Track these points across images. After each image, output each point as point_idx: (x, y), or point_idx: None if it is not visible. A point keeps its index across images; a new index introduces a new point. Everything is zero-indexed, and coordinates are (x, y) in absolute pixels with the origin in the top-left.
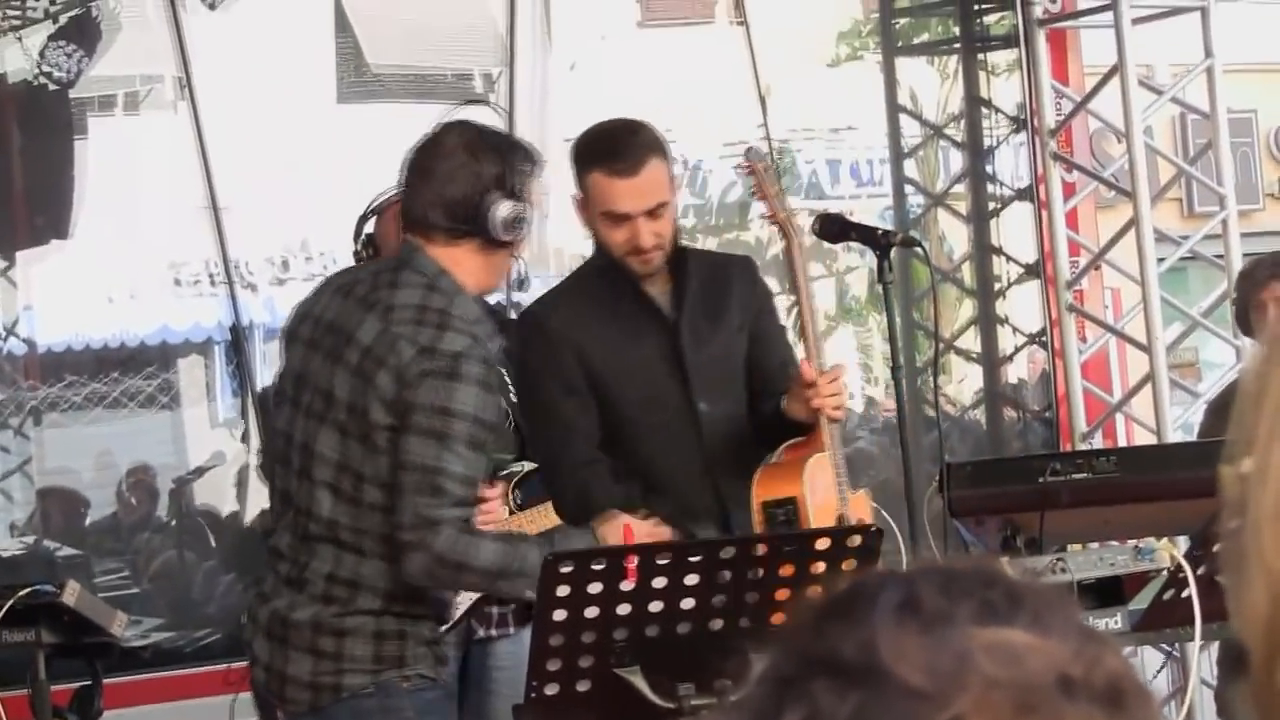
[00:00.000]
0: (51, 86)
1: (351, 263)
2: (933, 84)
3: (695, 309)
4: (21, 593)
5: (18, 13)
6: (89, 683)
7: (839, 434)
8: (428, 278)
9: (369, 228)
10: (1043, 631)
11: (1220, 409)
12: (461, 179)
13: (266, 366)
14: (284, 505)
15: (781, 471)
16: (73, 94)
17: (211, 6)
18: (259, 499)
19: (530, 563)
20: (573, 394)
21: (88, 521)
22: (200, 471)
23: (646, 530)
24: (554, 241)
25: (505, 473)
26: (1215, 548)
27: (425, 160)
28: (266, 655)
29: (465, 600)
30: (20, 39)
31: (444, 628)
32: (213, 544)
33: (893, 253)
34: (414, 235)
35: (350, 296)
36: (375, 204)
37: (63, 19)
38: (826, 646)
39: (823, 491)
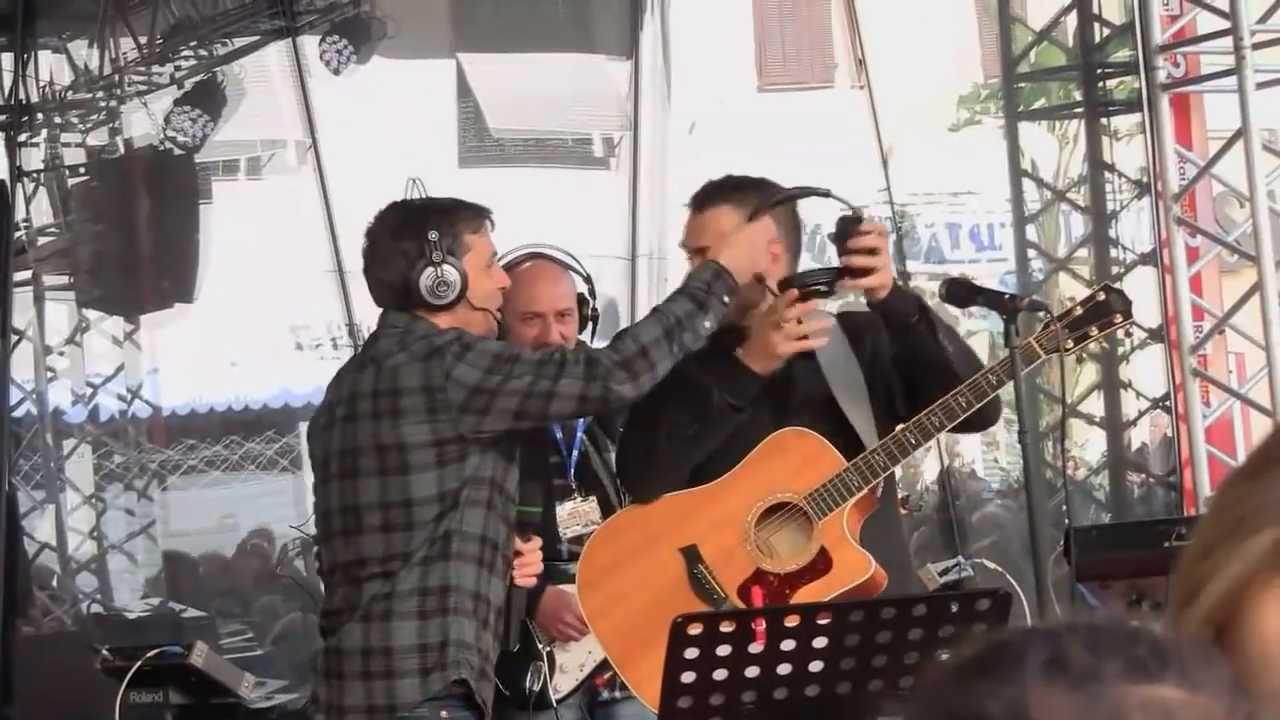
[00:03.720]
0: (177, 151)
1: None
2: (1053, 149)
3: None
4: (150, 654)
5: (144, 78)
6: None
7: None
8: (400, 326)
9: None
10: (1193, 688)
11: None
12: (390, 263)
13: None
14: (331, 573)
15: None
16: (197, 159)
17: (336, 72)
18: None
19: (676, 311)
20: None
21: (210, 584)
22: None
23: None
24: None
25: (535, 524)
26: None
27: (366, 251)
28: (324, 696)
29: (588, 661)
30: (146, 104)
31: (564, 694)
32: None
33: (1019, 317)
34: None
35: (344, 373)
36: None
37: (188, 84)
38: (973, 706)
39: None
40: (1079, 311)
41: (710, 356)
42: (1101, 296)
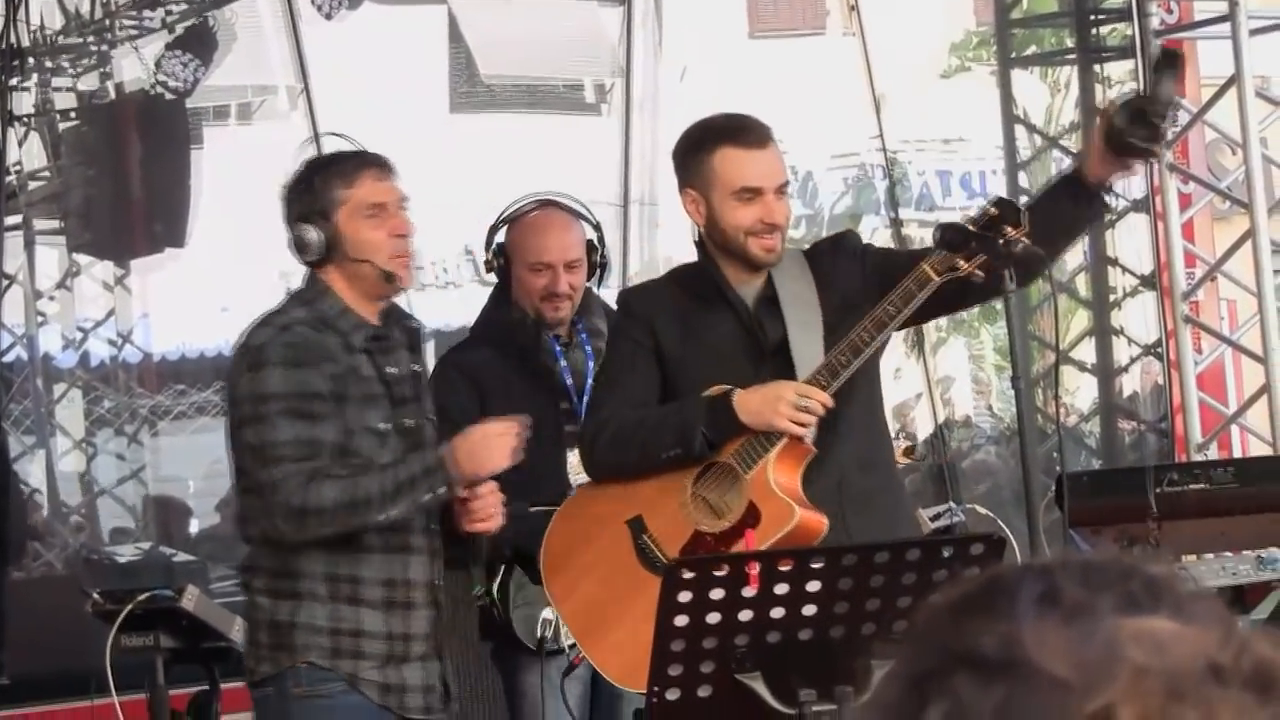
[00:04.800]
0: (168, 96)
1: (467, 271)
2: (1045, 95)
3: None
4: (140, 598)
5: (134, 23)
6: (207, 688)
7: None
8: (300, 297)
9: (500, 237)
10: (1187, 620)
11: None
12: (288, 219)
13: None
14: None
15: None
16: (189, 104)
17: (328, 17)
18: None
19: (370, 490)
20: (633, 360)
21: (197, 529)
22: None
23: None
24: (664, 250)
25: None
26: None
27: None
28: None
29: None
30: (137, 49)
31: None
32: None
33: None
34: None
35: None
36: (507, 213)
37: (179, 29)
38: (967, 641)
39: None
40: (971, 229)
41: (669, 308)
42: (994, 211)
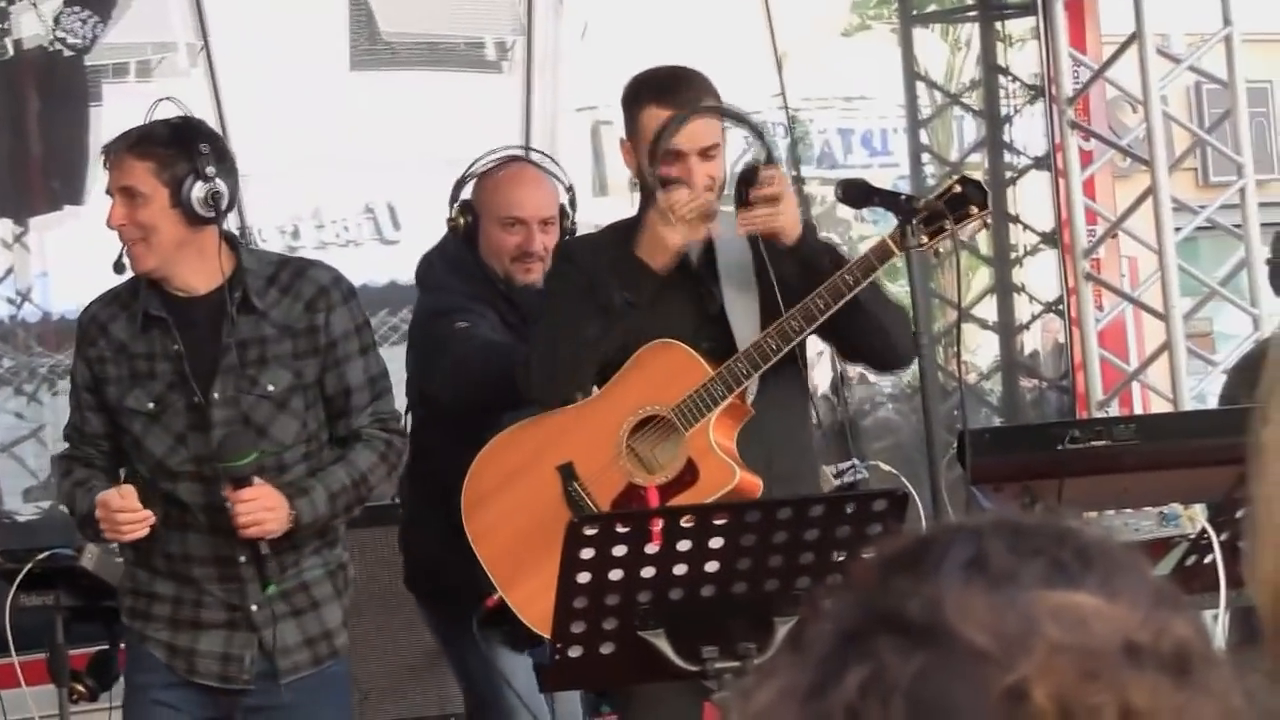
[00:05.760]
0: (67, 53)
1: (368, 229)
2: (945, 53)
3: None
4: (40, 556)
5: None
6: (107, 646)
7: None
8: None
9: (466, 193)
10: (1111, 595)
11: (1241, 376)
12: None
13: None
14: None
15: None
16: (87, 61)
17: None
18: None
19: (64, 489)
20: (575, 296)
21: None
22: None
23: None
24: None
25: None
26: (1238, 514)
27: None
28: None
29: None
30: (35, 5)
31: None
32: None
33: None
34: None
35: None
36: (476, 167)
37: None
38: (892, 602)
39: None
40: (936, 205)
41: (608, 255)
42: (958, 189)
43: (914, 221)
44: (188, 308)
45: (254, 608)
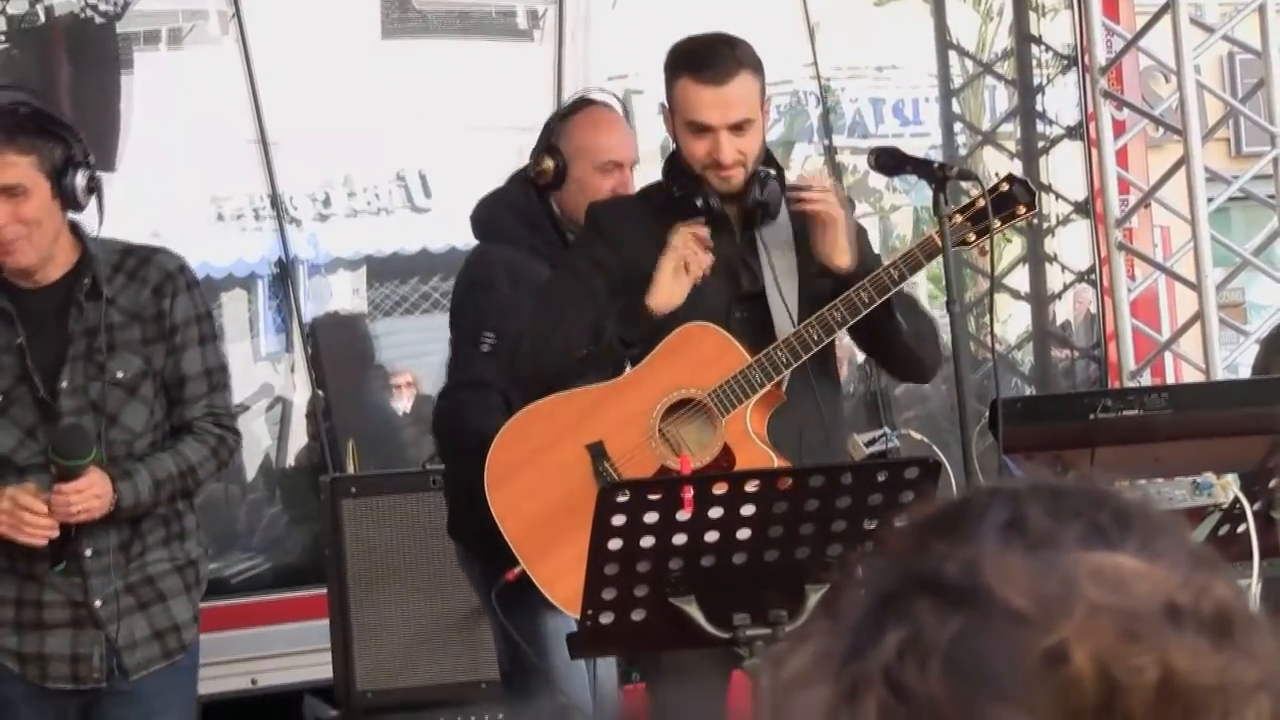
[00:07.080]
0: (98, 20)
1: (399, 197)
2: (977, 22)
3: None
4: None
5: None
6: None
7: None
8: None
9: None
10: (1151, 557)
11: (1273, 346)
12: None
13: (311, 301)
14: None
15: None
16: (119, 28)
17: None
18: (300, 433)
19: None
20: (586, 286)
21: None
22: (243, 407)
23: None
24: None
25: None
26: (1271, 483)
27: None
28: None
29: None
30: None
31: None
32: (249, 478)
33: (947, 187)
34: None
35: None
36: (562, 110)
37: None
38: (930, 564)
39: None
40: (982, 203)
41: (637, 226)
42: (1005, 187)
43: (946, 190)
44: (32, 298)
45: (98, 603)
